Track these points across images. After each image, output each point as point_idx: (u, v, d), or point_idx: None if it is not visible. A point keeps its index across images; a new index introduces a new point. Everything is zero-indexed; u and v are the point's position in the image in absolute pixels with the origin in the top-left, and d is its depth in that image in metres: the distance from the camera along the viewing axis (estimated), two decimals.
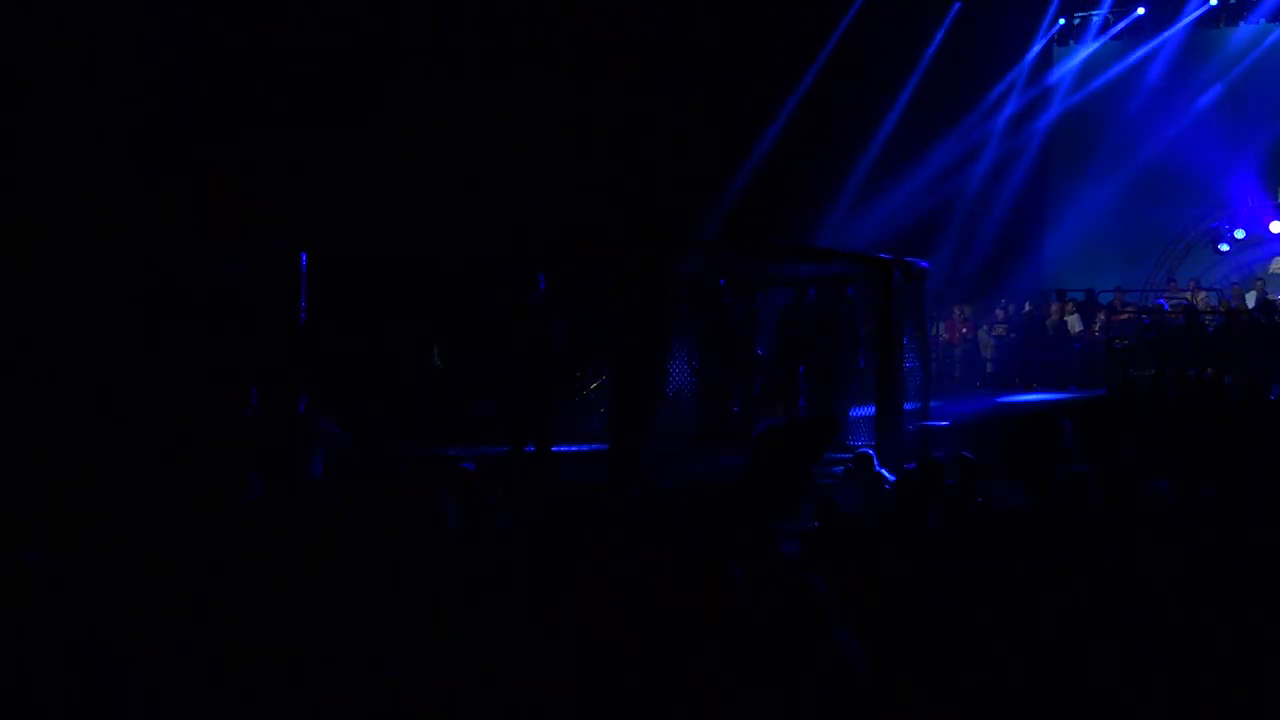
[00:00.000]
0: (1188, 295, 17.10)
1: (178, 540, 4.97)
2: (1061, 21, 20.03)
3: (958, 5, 18.84)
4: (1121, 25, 19.53)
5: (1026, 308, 17.51)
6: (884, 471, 8.99)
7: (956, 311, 17.26)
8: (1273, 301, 15.58)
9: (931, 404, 12.81)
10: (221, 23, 12.37)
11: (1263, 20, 18.61)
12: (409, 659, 3.97)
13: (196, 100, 11.91)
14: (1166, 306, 16.29)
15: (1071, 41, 20.11)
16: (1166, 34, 19.04)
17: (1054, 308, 17.17)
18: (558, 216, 13.78)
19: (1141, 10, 19.31)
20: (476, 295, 11.26)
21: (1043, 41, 19.96)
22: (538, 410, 10.53)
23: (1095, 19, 19.80)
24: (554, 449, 10.60)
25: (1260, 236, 17.89)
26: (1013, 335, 17.12)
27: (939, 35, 18.94)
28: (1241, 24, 18.78)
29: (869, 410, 11.87)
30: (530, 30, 15.39)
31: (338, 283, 10.45)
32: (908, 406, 12.03)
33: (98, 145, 10.43)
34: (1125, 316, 16.37)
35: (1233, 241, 17.89)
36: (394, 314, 11.16)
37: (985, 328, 17.43)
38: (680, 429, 11.48)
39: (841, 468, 9.81)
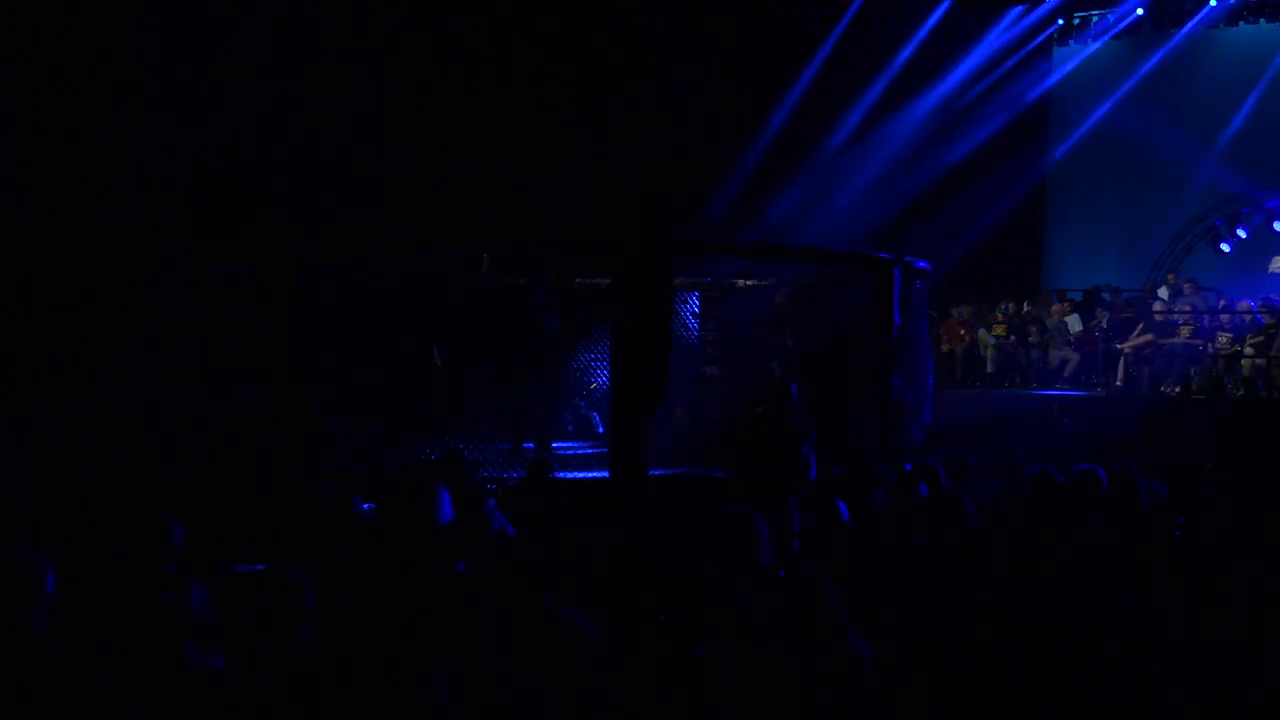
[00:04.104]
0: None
1: (177, 542, 4.97)
2: (1060, 21, 20.00)
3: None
4: (1122, 25, 19.49)
5: (1026, 308, 17.50)
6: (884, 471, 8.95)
7: (956, 312, 17.25)
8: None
9: (931, 405, 12.78)
10: (221, 23, 12.38)
11: (1262, 20, 18.54)
12: (408, 659, 3.97)
13: (197, 101, 11.92)
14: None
15: (1072, 41, 20.07)
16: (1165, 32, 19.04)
17: (1055, 308, 17.16)
18: (557, 218, 13.76)
19: (1141, 11, 19.27)
20: (476, 295, 11.24)
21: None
22: (538, 410, 10.51)
23: (1095, 19, 19.76)
24: (554, 448, 10.58)
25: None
26: (1013, 336, 17.11)
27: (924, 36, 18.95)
28: (1242, 24, 18.71)
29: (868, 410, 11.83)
30: (530, 30, 15.39)
31: (336, 284, 10.46)
32: (908, 407, 12.00)
33: (97, 146, 10.44)
34: (1128, 316, 16.38)
35: (1234, 241, 17.84)
36: (393, 314, 11.14)
37: (985, 328, 17.42)
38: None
39: (840, 470, 9.78)
